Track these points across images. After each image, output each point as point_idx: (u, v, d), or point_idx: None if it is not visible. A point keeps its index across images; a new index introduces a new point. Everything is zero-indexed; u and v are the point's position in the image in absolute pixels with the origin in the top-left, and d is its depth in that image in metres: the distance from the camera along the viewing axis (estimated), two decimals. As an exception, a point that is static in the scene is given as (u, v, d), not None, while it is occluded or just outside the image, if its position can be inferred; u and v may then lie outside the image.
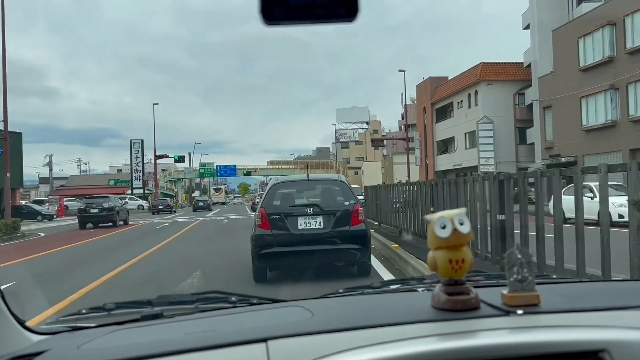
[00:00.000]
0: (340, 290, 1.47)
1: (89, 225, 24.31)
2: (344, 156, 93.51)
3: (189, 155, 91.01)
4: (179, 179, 77.91)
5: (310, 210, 7.53)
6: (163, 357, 0.89)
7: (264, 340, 0.91)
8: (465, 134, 45.51)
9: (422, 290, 1.32)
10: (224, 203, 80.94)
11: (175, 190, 76.68)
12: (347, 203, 7.70)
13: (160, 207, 44.17)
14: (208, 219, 30.98)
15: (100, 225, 24.45)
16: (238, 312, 1.25)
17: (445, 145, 51.88)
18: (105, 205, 24.51)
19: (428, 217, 1.02)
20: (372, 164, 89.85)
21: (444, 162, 50.38)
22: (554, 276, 1.59)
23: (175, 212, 45.48)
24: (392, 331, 0.92)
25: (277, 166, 78.69)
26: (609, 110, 27.66)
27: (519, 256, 1.02)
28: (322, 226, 7.41)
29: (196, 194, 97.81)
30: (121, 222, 25.43)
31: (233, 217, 31.23)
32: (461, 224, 0.99)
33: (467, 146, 45.48)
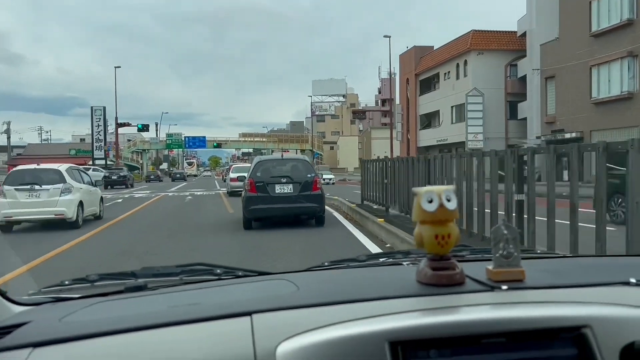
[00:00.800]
0: (326, 264, 1.49)
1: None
2: (320, 130, 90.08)
3: (156, 125, 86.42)
4: (144, 150, 73.37)
5: (284, 180, 11.01)
6: (147, 330, 0.90)
7: (249, 313, 0.92)
8: (452, 107, 42.65)
9: (408, 264, 1.34)
10: (195, 175, 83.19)
11: (141, 161, 72.29)
12: (309, 175, 11.21)
13: (114, 177, 36.24)
14: (170, 194, 27.51)
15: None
16: (223, 285, 1.25)
17: (429, 120, 49.03)
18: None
19: (415, 189, 1.01)
20: (348, 139, 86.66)
21: (427, 138, 47.58)
22: (539, 251, 1.55)
23: (133, 185, 38.63)
24: (377, 305, 0.93)
25: (249, 139, 74.88)
26: (625, 80, 24.91)
27: (505, 232, 1.03)
28: (292, 191, 10.90)
29: (164, 166, 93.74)
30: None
31: (199, 193, 27.83)
32: (448, 200, 0.99)
33: (454, 120, 42.67)
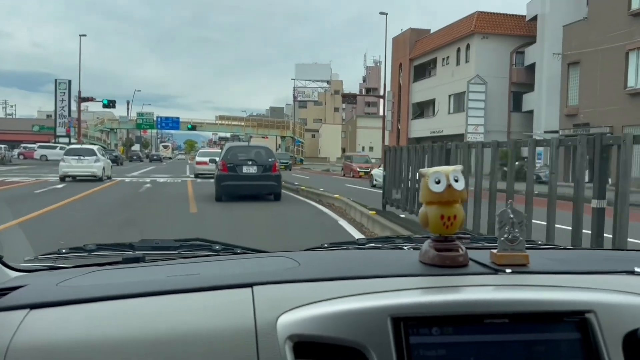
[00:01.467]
0: (325, 245, 1.48)
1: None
2: (301, 117, 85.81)
3: (128, 103, 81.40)
4: (112, 129, 68.28)
5: (249, 162, 13.76)
6: (144, 297, 0.89)
7: (250, 285, 0.91)
8: (450, 96, 39.05)
9: (409, 249, 1.32)
10: (170, 158, 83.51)
11: (108, 141, 67.29)
12: (270, 160, 14.03)
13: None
14: (127, 180, 23.31)
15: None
16: (222, 260, 1.24)
17: (421, 109, 45.39)
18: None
19: (422, 170, 1.01)
20: (331, 127, 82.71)
21: (419, 128, 43.97)
22: (540, 242, 1.56)
23: (122, 164, 36.33)
24: (380, 283, 0.93)
25: (226, 122, 70.34)
26: (671, 68, 21.48)
27: (511, 215, 1.02)
28: (256, 171, 13.74)
29: (136, 147, 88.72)
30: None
31: (162, 180, 23.73)
32: (456, 180, 0.99)
33: (451, 110, 39.09)
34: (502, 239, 1.03)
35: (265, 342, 0.79)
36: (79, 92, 46.85)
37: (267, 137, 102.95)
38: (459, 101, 37.97)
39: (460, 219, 1.00)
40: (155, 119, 67.04)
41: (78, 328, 0.82)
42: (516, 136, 35.65)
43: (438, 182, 0.99)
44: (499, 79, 35.09)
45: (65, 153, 21.87)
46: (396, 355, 0.79)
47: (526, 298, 0.89)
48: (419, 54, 43.51)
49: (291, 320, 0.82)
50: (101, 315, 0.85)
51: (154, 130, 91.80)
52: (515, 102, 35.77)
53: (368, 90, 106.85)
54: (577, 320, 0.86)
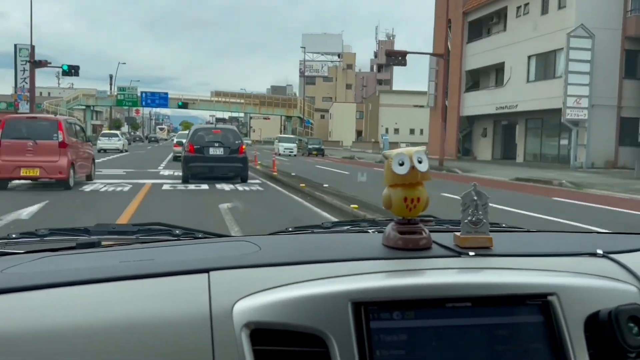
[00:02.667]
0: (290, 229, 1.46)
1: None
2: (308, 94, 75.04)
3: (110, 78, 70.50)
4: (88, 107, 57.56)
5: (216, 144, 13.71)
6: (96, 283, 0.86)
7: (206, 271, 0.88)
8: (530, 57, 28.60)
9: (373, 232, 1.30)
10: (165, 139, 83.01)
11: (83, 121, 56.64)
12: (237, 142, 14.07)
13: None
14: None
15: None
16: (181, 245, 1.20)
17: (476, 79, 34.99)
18: None
19: (386, 152, 0.99)
20: (344, 107, 71.96)
21: (476, 103, 33.60)
22: (504, 225, 1.56)
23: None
24: (342, 267, 0.92)
25: (222, 99, 59.68)
26: None
27: (475, 197, 1.01)
28: (222, 153, 13.70)
29: (125, 129, 78.76)
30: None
31: (126, 183, 13.77)
32: (420, 161, 0.97)
33: (531, 77, 28.67)
34: (466, 221, 1.01)
35: (220, 330, 0.78)
36: (31, 54, 36.26)
37: (269, 118, 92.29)
38: (544, 64, 27.62)
39: (423, 201, 0.98)
40: (139, 94, 56.50)
41: (22, 317, 0.78)
42: (628, 113, 25.35)
43: (402, 164, 0.96)
44: (607, 31, 24.72)
45: (99, 135, 38.15)
46: (356, 341, 0.78)
47: (489, 281, 0.89)
48: (477, 4, 32.96)
49: (248, 306, 0.80)
50: (47, 304, 0.81)
51: (147, 110, 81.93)
52: (630, 65, 25.47)
53: (380, 67, 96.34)
54: (539, 303, 0.86)
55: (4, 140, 10.90)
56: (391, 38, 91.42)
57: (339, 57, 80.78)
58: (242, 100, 60.47)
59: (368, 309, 0.81)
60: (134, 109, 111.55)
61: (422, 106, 59.45)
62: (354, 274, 0.88)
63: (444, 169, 23.18)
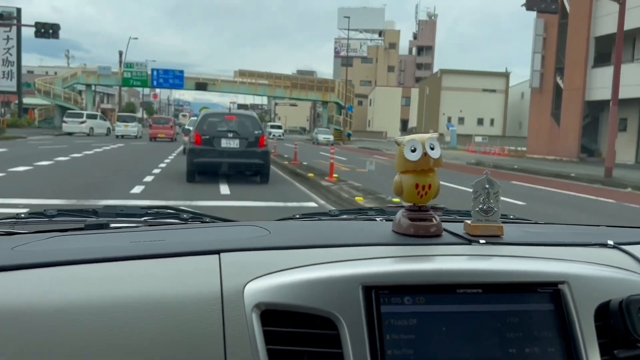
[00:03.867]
0: (297, 216, 1.47)
1: None
2: (344, 78, 65.31)
3: (120, 55, 61.49)
4: (89, 86, 48.59)
5: (230, 134, 10.67)
6: (104, 262, 0.86)
7: (217, 252, 0.89)
8: None
9: (381, 220, 1.31)
10: None
11: (83, 102, 47.71)
12: (256, 132, 10.85)
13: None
14: None
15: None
16: (189, 228, 1.21)
17: (608, 50, 25.03)
18: None
19: (398, 139, 0.99)
20: (387, 92, 61.90)
21: (609, 84, 23.78)
22: (512, 216, 1.55)
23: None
24: (352, 251, 0.92)
25: (248, 80, 50.32)
26: None
27: (487, 186, 1.01)
28: (238, 146, 10.59)
29: (140, 114, 70.35)
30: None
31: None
32: (432, 148, 0.97)
33: None
34: (477, 209, 1.01)
35: (231, 310, 0.78)
36: (17, 20, 27.40)
37: (296, 105, 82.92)
38: None
39: (435, 188, 0.99)
40: (149, 72, 47.44)
41: (32, 293, 0.79)
42: None
43: (414, 151, 0.96)
44: None
45: (117, 119, 35.35)
46: (367, 324, 0.78)
47: (500, 268, 0.88)
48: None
49: (259, 288, 0.80)
50: (58, 280, 0.82)
51: (166, 95, 72.76)
52: None
53: (420, 50, 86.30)
54: (550, 292, 0.86)
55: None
56: (433, 18, 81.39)
57: (380, 35, 70.78)
58: (269, 81, 51.07)
59: (379, 293, 0.80)
60: (152, 93, 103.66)
61: (493, 90, 49.56)
62: (364, 259, 0.88)
63: (622, 184, 13.69)
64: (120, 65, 53.40)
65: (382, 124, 59.52)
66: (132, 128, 33.27)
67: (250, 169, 10.85)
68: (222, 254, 0.88)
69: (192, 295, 0.78)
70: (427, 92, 50.59)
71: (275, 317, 0.78)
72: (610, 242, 1.03)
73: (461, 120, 47.26)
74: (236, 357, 0.75)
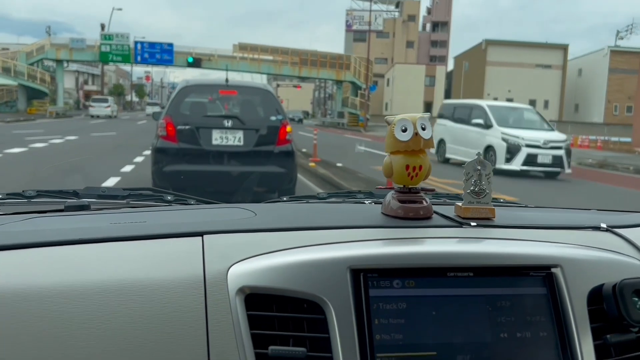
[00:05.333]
0: (284, 198, 1.43)
1: None
2: (358, 54, 57.43)
3: (102, 28, 53.27)
4: (59, 62, 40.61)
5: (228, 122, 6.06)
6: (84, 244, 0.84)
7: (200, 234, 0.87)
8: None
9: (370, 203, 1.29)
10: None
11: (51, 83, 39.92)
12: (273, 118, 6.29)
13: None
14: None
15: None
16: (172, 210, 1.19)
17: None
18: None
19: (389, 118, 0.97)
20: (409, 70, 53.98)
21: None
22: (502, 200, 1.53)
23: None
24: (340, 233, 0.91)
25: (250, 55, 42.56)
26: None
27: (479, 167, 0.99)
28: (242, 143, 6.05)
29: (128, 98, 62.54)
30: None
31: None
32: (423, 128, 0.95)
33: None
34: (468, 191, 1.00)
35: (214, 293, 0.76)
36: None
37: (299, 87, 75.11)
38: None
39: (425, 170, 0.97)
40: (131, 45, 39.67)
41: (8, 274, 0.76)
42: None
43: (405, 131, 0.94)
44: None
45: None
46: (355, 308, 0.77)
47: (492, 251, 0.87)
48: None
49: (243, 271, 0.78)
50: (34, 263, 0.80)
51: (159, 77, 64.85)
52: None
53: (435, 25, 78.36)
54: (542, 275, 0.85)
55: None
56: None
57: (396, 6, 62.81)
58: (275, 58, 43.33)
59: (367, 276, 0.79)
60: (145, 75, 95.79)
61: (548, 66, 41.87)
62: (352, 241, 0.86)
63: None
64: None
65: (403, 107, 51.87)
66: (106, 109, 37.01)
67: (262, 183, 6.28)
68: (205, 236, 0.86)
69: (173, 278, 0.77)
70: (465, 68, 42.79)
71: (260, 301, 0.76)
72: (603, 225, 1.02)
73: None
74: (219, 341, 0.73)
